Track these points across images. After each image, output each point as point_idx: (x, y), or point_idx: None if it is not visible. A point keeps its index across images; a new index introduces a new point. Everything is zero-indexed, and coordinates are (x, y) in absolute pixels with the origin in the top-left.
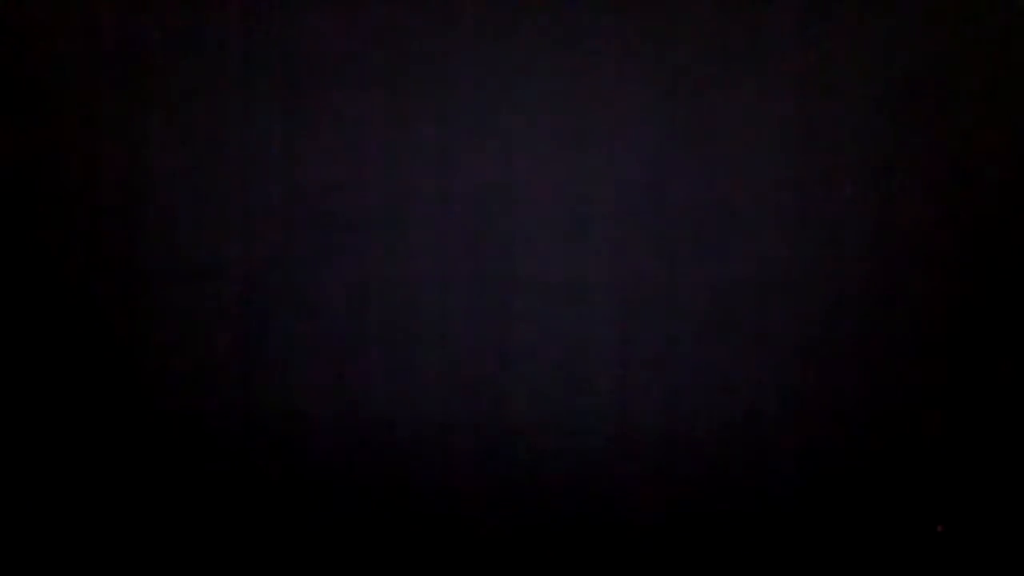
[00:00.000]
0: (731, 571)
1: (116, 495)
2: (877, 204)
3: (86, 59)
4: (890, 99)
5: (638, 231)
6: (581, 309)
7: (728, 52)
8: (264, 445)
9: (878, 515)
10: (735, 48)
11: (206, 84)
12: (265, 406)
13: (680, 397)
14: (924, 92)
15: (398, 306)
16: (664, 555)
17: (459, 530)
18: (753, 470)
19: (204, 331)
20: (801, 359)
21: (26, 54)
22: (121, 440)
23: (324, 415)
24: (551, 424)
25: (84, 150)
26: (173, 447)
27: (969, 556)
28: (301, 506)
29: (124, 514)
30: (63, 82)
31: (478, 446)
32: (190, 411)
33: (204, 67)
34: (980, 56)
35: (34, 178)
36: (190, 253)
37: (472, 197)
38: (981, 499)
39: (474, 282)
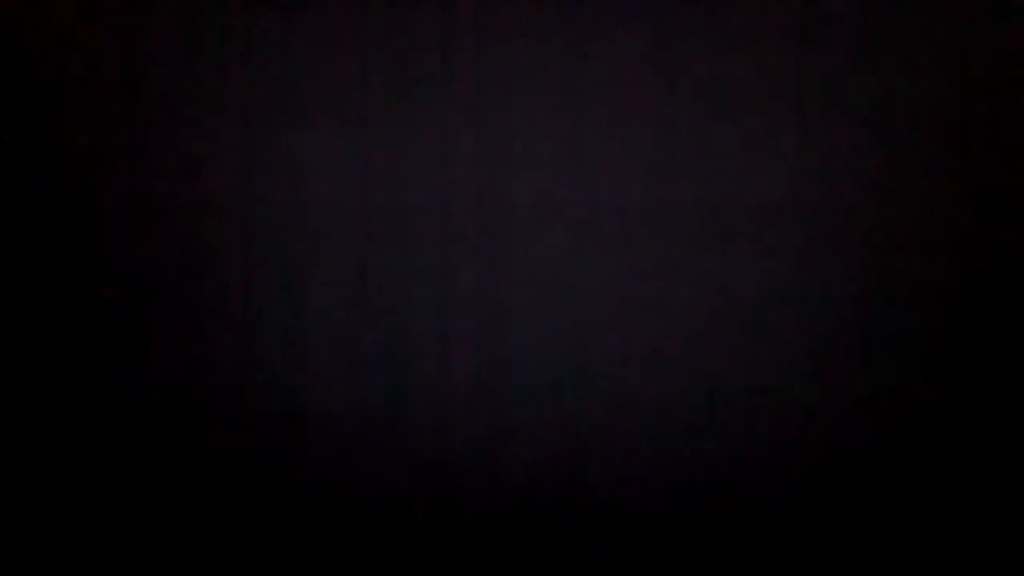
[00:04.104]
0: (729, 567)
1: (114, 495)
2: (877, 204)
3: (86, 59)
4: (890, 100)
5: (638, 231)
6: (581, 309)
7: (728, 53)
8: (263, 445)
9: (877, 514)
10: (735, 49)
11: (206, 84)
12: (264, 406)
13: (680, 397)
14: (924, 92)
15: (398, 305)
16: (663, 554)
17: (458, 529)
18: (754, 469)
19: (204, 331)
20: (801, 359)
21: (26, 54)
22: (120, 439)
23: (323, 415)
24: (550, 423)
25: (86, 150)
26: (172, 447)
27: (969, 556)
28: (301, 506)
29: (122, 514)
30: (63, 82)
31: (477, 446)
32: (189, 411)
33: (204, 67)
34: (981, 55)
35: (35, 178)
36: (190, 253)
37: (472, 196)
38: (981, 499)
39: (474, 282)
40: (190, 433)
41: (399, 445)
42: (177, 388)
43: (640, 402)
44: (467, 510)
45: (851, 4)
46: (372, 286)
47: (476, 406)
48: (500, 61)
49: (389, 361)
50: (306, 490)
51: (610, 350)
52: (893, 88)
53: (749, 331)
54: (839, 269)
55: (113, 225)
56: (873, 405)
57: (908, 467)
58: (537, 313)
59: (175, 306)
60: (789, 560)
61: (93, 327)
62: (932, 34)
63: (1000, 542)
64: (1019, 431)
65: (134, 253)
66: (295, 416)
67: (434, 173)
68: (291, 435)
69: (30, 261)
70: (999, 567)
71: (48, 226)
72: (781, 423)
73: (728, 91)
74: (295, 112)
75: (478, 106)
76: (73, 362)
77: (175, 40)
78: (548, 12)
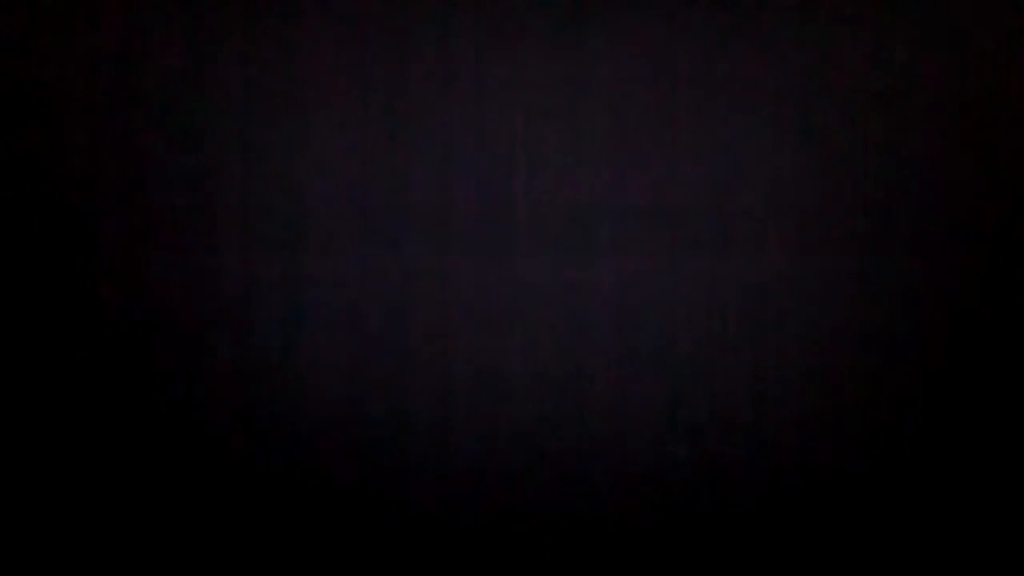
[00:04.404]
0: (730, 567)
1: (112, 496)
2: (877, 205)
3: (86, 59)
4: (890, 100)
5: (638, 231)
6: (581, 309)
7: (728, 54)
8: (262, 445)
9: (877, 514)
10: (735, 49)
11: (206, 84)
12: (264, 406)
13: (680, 398)
14: (924, 92)
15: (398, 304)
16: (664, 554)
17: (458, 529)
18: (754, 471)
19: (203, 331)
20: (801, 359)
21: (26, 54)
22: (119, 440)
23: (323, 414)
24: (549, 424)
25: (84, 150)
26: (171, 447)
27: (969, 556)
28: (300, 506)
29: (120, 515)
30: (63, 82)
31: (477, 446)
32: (189, 411)
33: (204, 67)
34: (981, 55)
35: (34, 178)
36: (190, 254)
37: (473, 196)
38: (981, 499)
39: (474, 283)
40: (189, 433)
41: (399, 445)
42: (176, 389)
43: (640, 402)
44: (467, 510)
45: (852, 3)
46: (372, 286)
47: (476, 406)
48: (500, 61)
49: (388, 360)
50: (305, 490)
51: (610, 350)
52: (894, 87)
53: (748, 331)
54: (839, 269)
55: (113, 226)
56: (873, 405)
57: (908, 467)
58: (537, 313)
59: (174, 306)
60: (790, 560)
61: (92, 329)
62: (934, 33)
63: (1000, 542)
64: (1019, 431)
65: (134, 255)
66: (294, 416)
67: (434, 173)
68: (290, 435)
69: (29, 262)
70: (999, 567)
71: (47, 227)
72: (781, 423)
73: (728, 91)
74: (295, 112)
75: (478, 106)
76: (71, 364)
77: (175, 40)
78: (548, 12)
